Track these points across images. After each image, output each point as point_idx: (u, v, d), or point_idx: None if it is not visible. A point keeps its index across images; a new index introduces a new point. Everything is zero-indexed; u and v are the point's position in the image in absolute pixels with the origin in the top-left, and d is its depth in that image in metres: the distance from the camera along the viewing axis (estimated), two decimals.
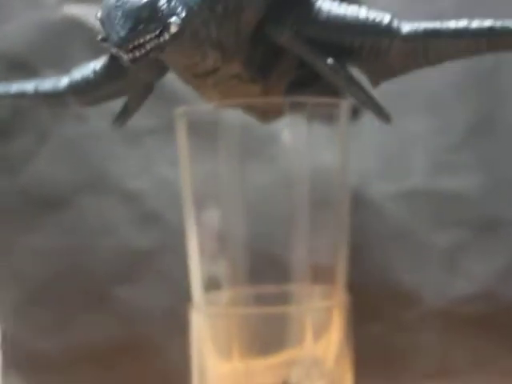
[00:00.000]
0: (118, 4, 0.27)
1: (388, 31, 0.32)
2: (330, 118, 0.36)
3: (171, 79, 0.35)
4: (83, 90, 0.35)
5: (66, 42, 0.48)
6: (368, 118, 0.50)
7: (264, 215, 0.35)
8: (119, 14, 0.27)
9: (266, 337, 0.35)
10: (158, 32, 0.28)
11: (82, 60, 0.36)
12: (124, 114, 0.36)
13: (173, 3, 0.28)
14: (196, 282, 0.36)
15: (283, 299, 0.36)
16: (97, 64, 0.35)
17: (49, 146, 0.50)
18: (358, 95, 0.33)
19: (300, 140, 0.35)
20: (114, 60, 0.34)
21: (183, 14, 0.28)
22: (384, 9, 0.33)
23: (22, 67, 0.48)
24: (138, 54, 0.27)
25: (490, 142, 0.52)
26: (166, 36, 0.28)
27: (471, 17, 0.32)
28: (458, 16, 0.33)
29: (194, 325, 0.36)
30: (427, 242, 0.51)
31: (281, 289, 0.36)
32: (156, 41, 0.28)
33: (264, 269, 0.36)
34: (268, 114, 0.36)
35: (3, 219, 0.51)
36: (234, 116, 0.35)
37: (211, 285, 0.36)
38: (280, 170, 0.35)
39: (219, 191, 0.35)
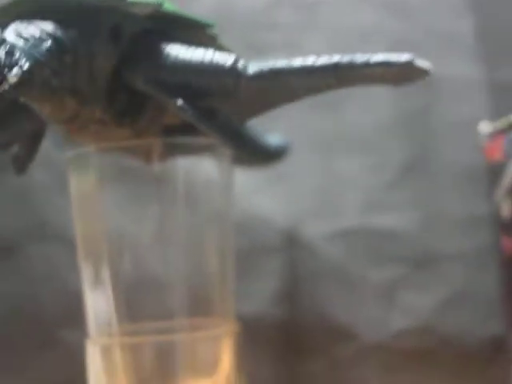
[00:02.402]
0: None
1: (231, 72, 0.33)
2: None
3: None
4: None
5: None
6: (302, 159, 0.52)
7: (149, 256, 0.37)
8: None
9: (153, 367, 0.37)
10: None
11: None
12: (17, 162, 0.38)
13: (16, 56, 0.31)
14: (90, 319, 0.39)
15: (168, 333, 0.37)
16: None
17: None
18: (207, 131, 0.34)
19: (178, 178, 0.37)
20: None
21: (26, 66, 0.31)
22: None
23: None
24: None
25: (424, 180, 0.53)
26: (6, 86, 0.30)
27: None
28: None
29: (89, 356, 0.38)
30: (363, 278, 0.53)
31: (164, 324, 0.37)
32: None
33: (150, 306, 0.37)
34: (146, 156, 0.38)
35: None
36: (112, 158, 0.37)
37: (103, 322, 0.38)
38: (160, 208, 0.37)
39: (103, 236, 0.37)
